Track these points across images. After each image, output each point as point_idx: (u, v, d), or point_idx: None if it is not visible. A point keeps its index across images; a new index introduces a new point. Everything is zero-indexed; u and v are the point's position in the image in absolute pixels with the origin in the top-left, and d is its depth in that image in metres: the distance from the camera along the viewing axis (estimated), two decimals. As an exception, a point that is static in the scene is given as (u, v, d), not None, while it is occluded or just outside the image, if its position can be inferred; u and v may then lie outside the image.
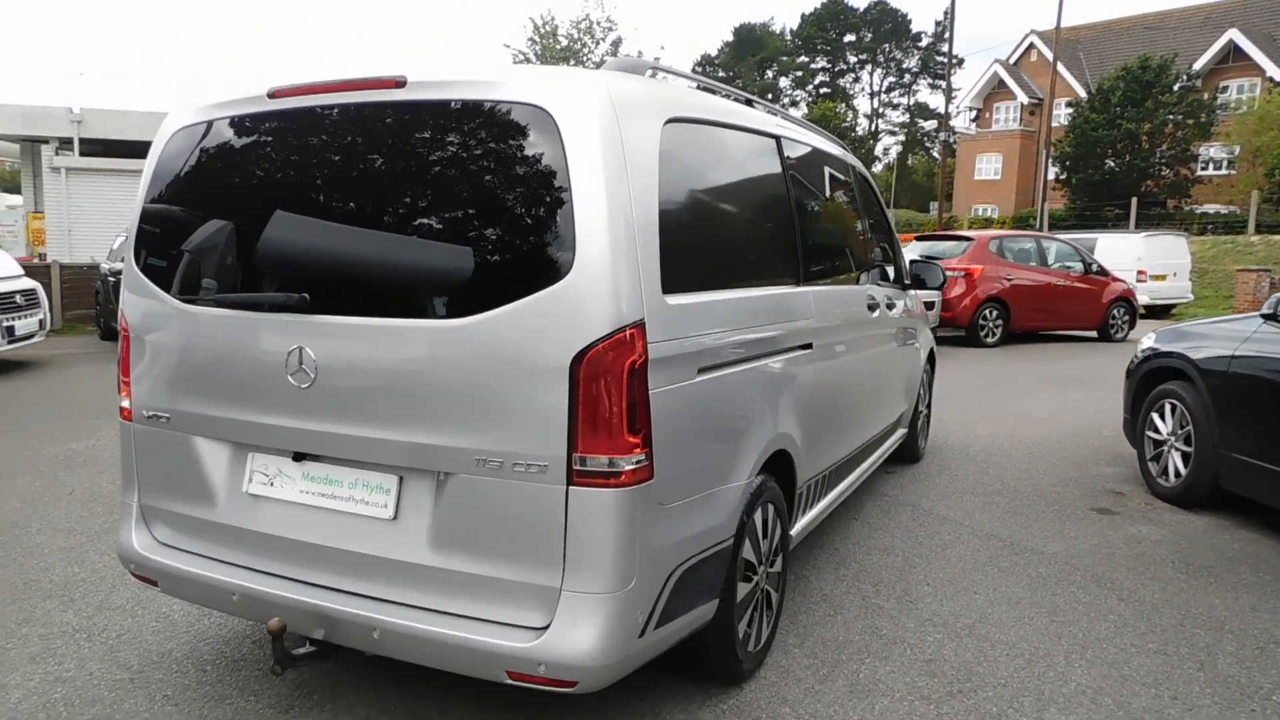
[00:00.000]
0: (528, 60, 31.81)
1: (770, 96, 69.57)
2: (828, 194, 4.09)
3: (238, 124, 2.66)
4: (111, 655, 3.13)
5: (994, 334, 13.12)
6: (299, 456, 2.56)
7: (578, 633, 2.21)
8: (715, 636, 2.78)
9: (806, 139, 3.82)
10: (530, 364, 2.20)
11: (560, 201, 2.17)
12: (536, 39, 31.73)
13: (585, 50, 31.63)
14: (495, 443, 2.26)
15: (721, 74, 69.99)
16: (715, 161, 2.85)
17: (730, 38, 70.28)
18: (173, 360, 2.74)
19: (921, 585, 3.86)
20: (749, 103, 3.45)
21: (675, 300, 2.38)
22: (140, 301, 2.81)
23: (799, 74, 70.34)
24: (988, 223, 37.03)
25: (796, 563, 4.08)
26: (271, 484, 2.61)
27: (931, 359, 6.13)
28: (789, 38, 69.41)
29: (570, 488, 2.20)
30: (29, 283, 10.14)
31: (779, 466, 3.15)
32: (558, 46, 31.43)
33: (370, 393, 2.40)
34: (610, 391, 2.17)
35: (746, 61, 68.20)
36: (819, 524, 4.24)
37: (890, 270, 5.24)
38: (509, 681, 2.26)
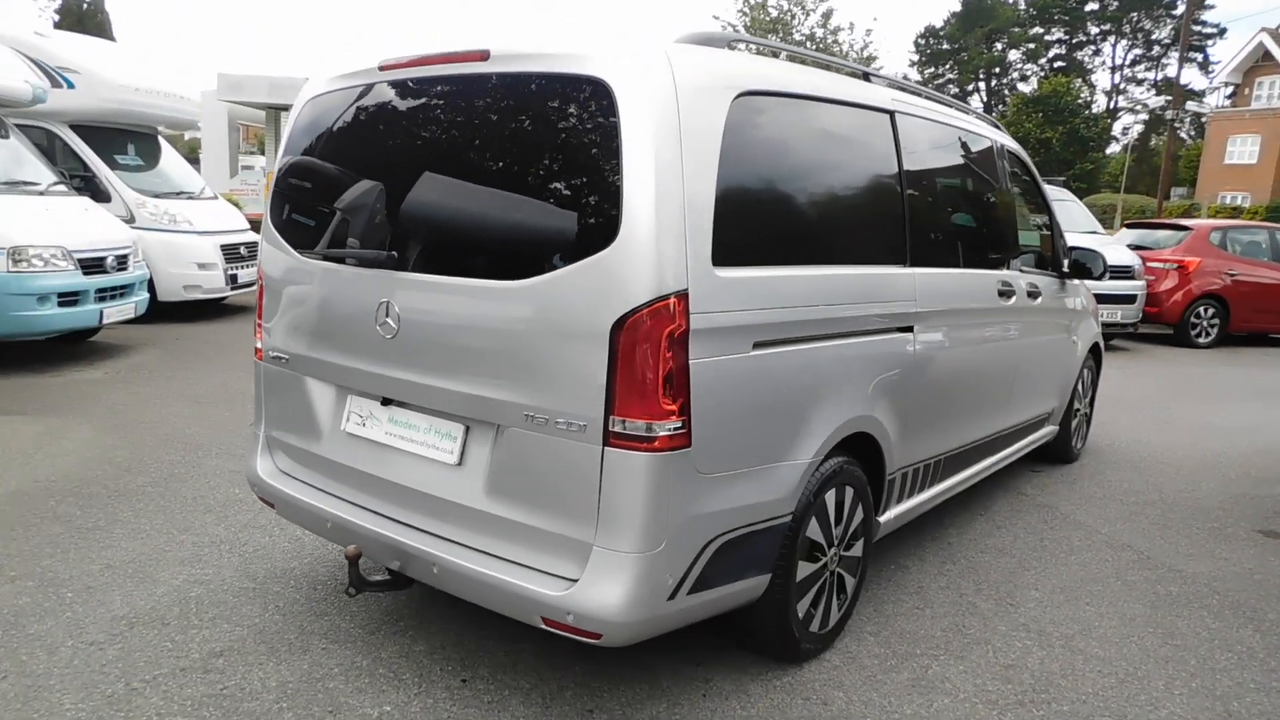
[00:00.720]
0: (735, 33, 31.64)
1: (997, 71, 65.36)
2: (959, 176, 3.89)
3: (356, 93, 2.91)
4: (245, 567, 3.55)
5: (1208, 334, 11.86)
6: (386, 401, 2.79)
7: (605, 587, 2.30)
8: (769, 613, 2.78)
9: (936, 116, 3.65)
10: (575, 327, 2.29)
11: (613, 173, 2.24)
12: (745, 10, 31.48)
13: (795, 21, 31.06)
14: (543, 400, 2.37)
15: (946, 46, 66.52)
16: (797, 136, 2.80)
17: (958, 8, 66.48)
18: (292, 307, 3.05)
19: (1029, 590, 3.65)
20: (865, 76, 3.35)
21: (728, 274, 2.39)
22: (272, 254, 3.14)
23: (1031, 46, 65.48)
24: (1235, 212, 33.20)
25: (898, 552, 3.96)
26: (364, 425, 2.86)
27: (1096, 355, 5.69)
28: (1023, 7, 64.71)
29: (606, 448, 2.28)
30: (253, 236, 11.35)
31: (862, 450, 3.09)
32: (767, 18, 31.04)
33: (442, 346, 2.58)
34: (648, 358, 2.22)
35: (974, 34, 64.32)
36: (931, 514, 4.13)
37: (1045, 257, 4.93)
38: (543, 627, 2.39)
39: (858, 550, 3.14)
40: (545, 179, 2.38)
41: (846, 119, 3.03)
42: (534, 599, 2.37)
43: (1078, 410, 5.49)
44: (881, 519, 3.34)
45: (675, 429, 2.27)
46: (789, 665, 2.96)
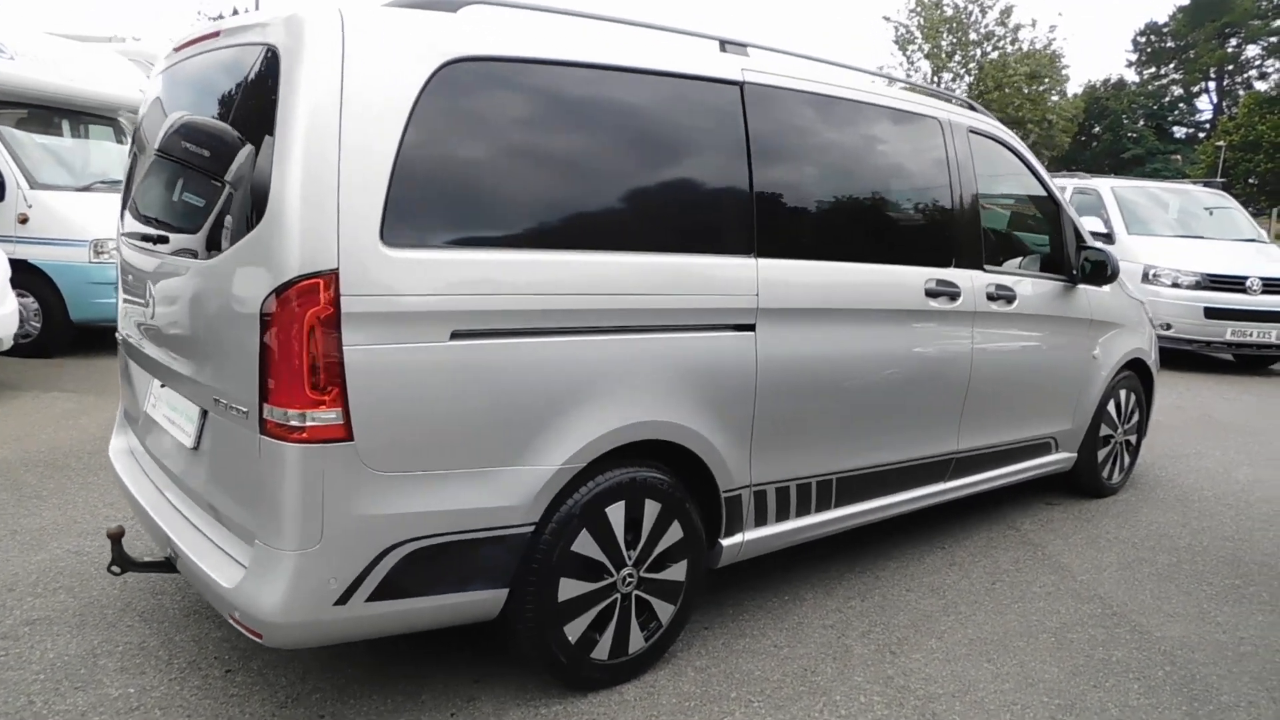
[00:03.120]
0: (908, 34, 30.29)
1: (1230, 69, 58.84)
2: (870, 160, 3.41)
3: (161, 76, 2.92)
4: (130, 544, 3.66)
5: None
6: (163, 383, 2.78)
7: (263, 585, 2.16)
8: (523, 633, 2.53)
9: (828, 91, 3.21)
10: (237, 308, 2.18)
11: (270, 145, 2.10)
12: (919, 9, 30.09)
13: (974, 20, 29.35)
14: (223, 385, 2.27)
15: (1170, 44, 60.75)
16: (552, 108, 2.50)
17: (1185, 2, 60.42)
18: (122, 288, 3.11)
19: (930, 639, 3.14)
20: (722, 45, 3.00)
21: (411, 255, 2.18)
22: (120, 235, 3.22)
23: (1273, 40, 58.39)
24: None
25: (804, 580, 3.54)
26: (155, 406, 2.86)
27: (1142, 373, 4.88)
28: (1262, -1, 57.85)
29: (261, 437, 2.14)
30: None
31: (679, 461, 2.76)
32: (941, 16, 29.53)
33: (175, 325, 2.54)
34: (292, 342, 2.07)
35: (1204, 29, 58.23)
36: (881, 541, 3.69)
37: (1054, 258, 4.28)
38: (232, 623, 2.28)
39: (675, 573, 2.81)
40: (230, 150, 2.27)
41: (637, 89, 2.68)
42: (217, 593, 2.27)
43: (1110, 437, 4.72)
44: (726, 542, 2.97)
45: (329, 420, 2.10)
46: (573, 693, 2.68)
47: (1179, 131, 62.41)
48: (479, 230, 2.33)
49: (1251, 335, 9.10)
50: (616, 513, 2.62)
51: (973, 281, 3.64)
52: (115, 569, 2.72)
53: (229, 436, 2.30)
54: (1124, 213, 10.06)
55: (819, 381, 3.09)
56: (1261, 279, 9.16)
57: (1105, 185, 10.50)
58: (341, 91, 2.09)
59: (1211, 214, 10.81)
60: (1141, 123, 61.70)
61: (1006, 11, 28.92)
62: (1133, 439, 4.93)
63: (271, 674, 2.73)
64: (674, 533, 2.77)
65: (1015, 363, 3.95)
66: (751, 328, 2.86)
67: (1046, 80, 30.49)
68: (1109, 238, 9.91)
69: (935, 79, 32.39)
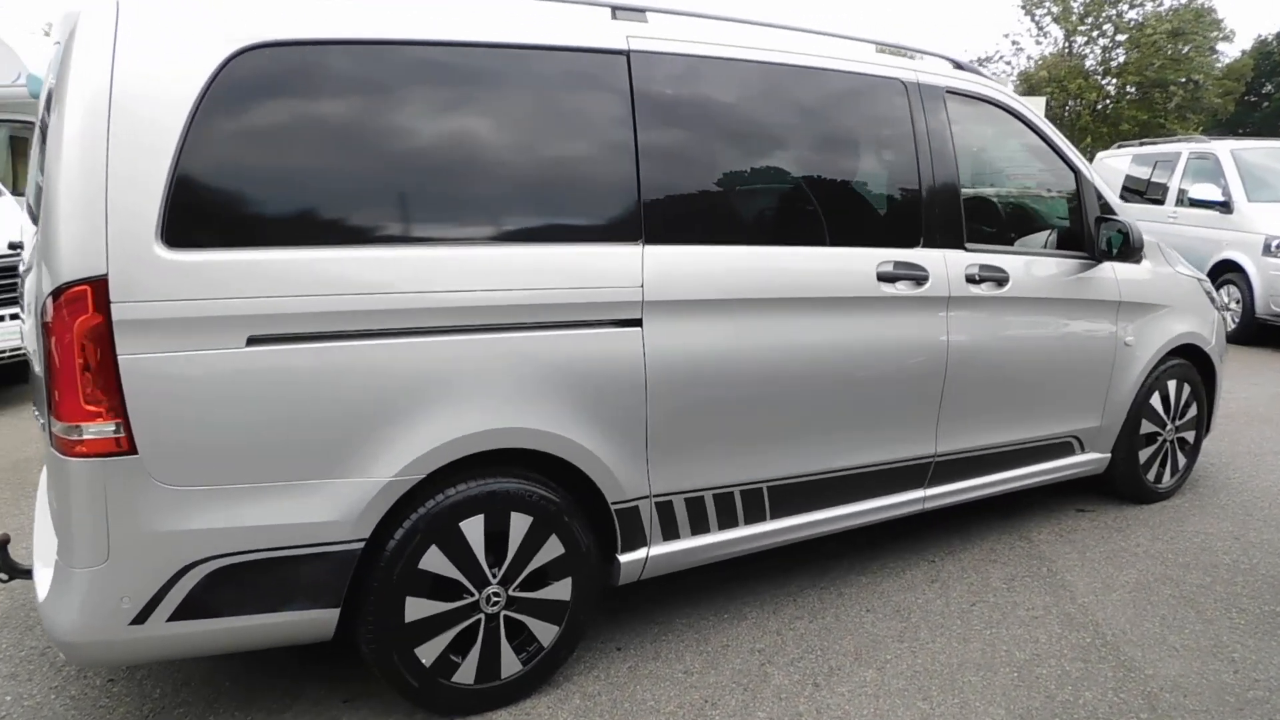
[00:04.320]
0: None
1: None
2: (803, 131, 3.05)
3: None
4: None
5: None
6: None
7: (59, 603, 2.10)
8: (371, 656, 2.37)
9: (745, 55, 2.87)
10: (38, 317, 2.10)
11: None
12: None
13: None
14: (37, 395, 2.22)
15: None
16: (377, 90, 2.28)
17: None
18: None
19: (869, 669, 2.80)
20: (614, 13, 2.72)
21: (196, 257, 2.04)
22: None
23: None
24: None
25: (749, 598, 3.24)
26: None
27: (1201, 362, 4.25)
28: None
29: (50, 450, 2.07)
30: None
31: (564, 471, 2.55)
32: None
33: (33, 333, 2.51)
34: (64, 353, 1.97)
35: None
36: (858, 553, 3.37)
37: (1075, 234, 3.78)
38: None
39: (556, 592, 2.59)
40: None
41: (486, 63, 2.43)
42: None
43: (1156, 434, 4.13)
44: (625, 558, 2.72)
45: (107, 432, 1.99)
46: (438, 719, 2.52)
47: (1365, 85, 56.16)
48: (281, 228, 2.16)
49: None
50: (474, 527, 2.42)
51: (946, 263, 3.22)
52: (3, 576, 2.73)
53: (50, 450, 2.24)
54: (1245, 178, 8.97)
55: (733, 381, 2.78)
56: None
57: (1224, 147, 9.41)
58: (111, 87, 1.97)
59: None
60: (1320, 77, 55.89)
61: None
62: (1189, 436, 4.31)
63: (150, 684, 2.69)
64: (552, 548, 2.55)
65: (1012, 353, 3.49)
66: (637, 323, 2.59)
67: (1195, 38, 27.86)
68: (1227, 206, 8.89)
69: (1067, 44, 30.19)
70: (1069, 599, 3.26)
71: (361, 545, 2.28)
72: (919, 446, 3.31)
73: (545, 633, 2.60)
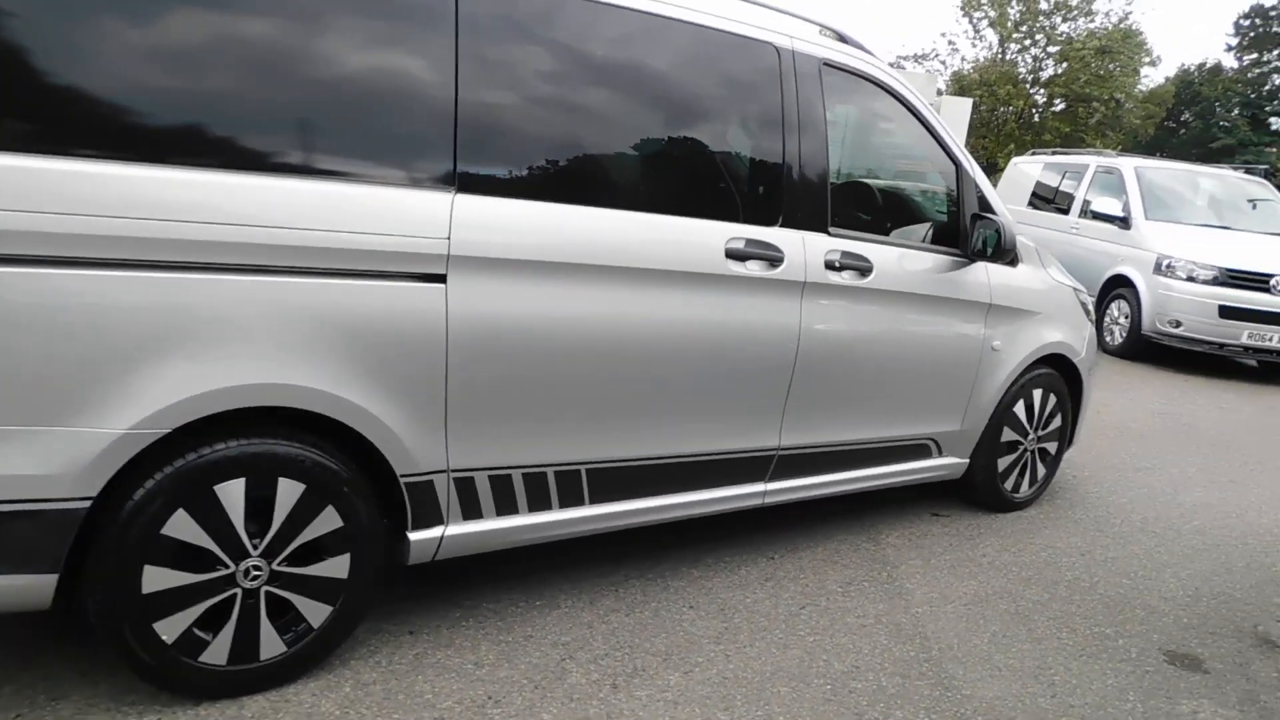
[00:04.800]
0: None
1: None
2: (645, 84, 2.79)
3: None
4: None
5: None
6: None
7: None
8: (101, 630, 2.07)
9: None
10: None
11: None
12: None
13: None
14: None
15: (1278, 28, 57.03)
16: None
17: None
18: None
19: (672, 674, 2.61)
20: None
21: None
22: None
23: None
24: None
25: (558, 580, 3.02)
26: None
27: (1068, 372, 4.18)
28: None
29: None
30: None
31: (342, 437, 2.26)
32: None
33: None
34: None
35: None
36: (689, 549, 3.16)
37: (953, 229, 3.63)
38: None
39: (332, 569, 2.31)
40: None
41: None
42: None
43: (1017, 443, 4.05)
44: (415, 536, 2.46)
45: None
46: (183, 701, 2.23)
47: (1277, 123, 58.82)
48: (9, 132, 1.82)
49: (1272, 340, 8.16)
50: (232, 492, 2.12)
51: (805, 246, 3.03)
52: None
53: None
54: (1146, 196, 9.11)
55: (552, 352, 2.53)
56: (1289, 278, 8.18)
57: (1129, 164, 9.54)
58: None
59: (1255, 206, 9.78)
60: (1236, 111, 58.27)
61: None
62: (1051, 447, 4.25)
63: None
64: (327, 520, 2.27)
65: (870, 348, 3.33)
66: (441, 279, 2.31)
67: (1120, 56, 28.60)
68: (1125, 222, 9.01)
69: (1002, 49, 30.70)
70: (903, 608, 3.14)
71: (87, 505, 1.96)
72: (761, 438, 3.12)
73: (316, 613, 2.33)
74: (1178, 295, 8.27)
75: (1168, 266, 8.42)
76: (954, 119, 19.61)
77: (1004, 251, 3.51)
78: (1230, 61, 57.96)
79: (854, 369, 3.28)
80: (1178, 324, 8.27)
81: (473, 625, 2.73)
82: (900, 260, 3.35)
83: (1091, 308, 4.45)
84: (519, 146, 2.47)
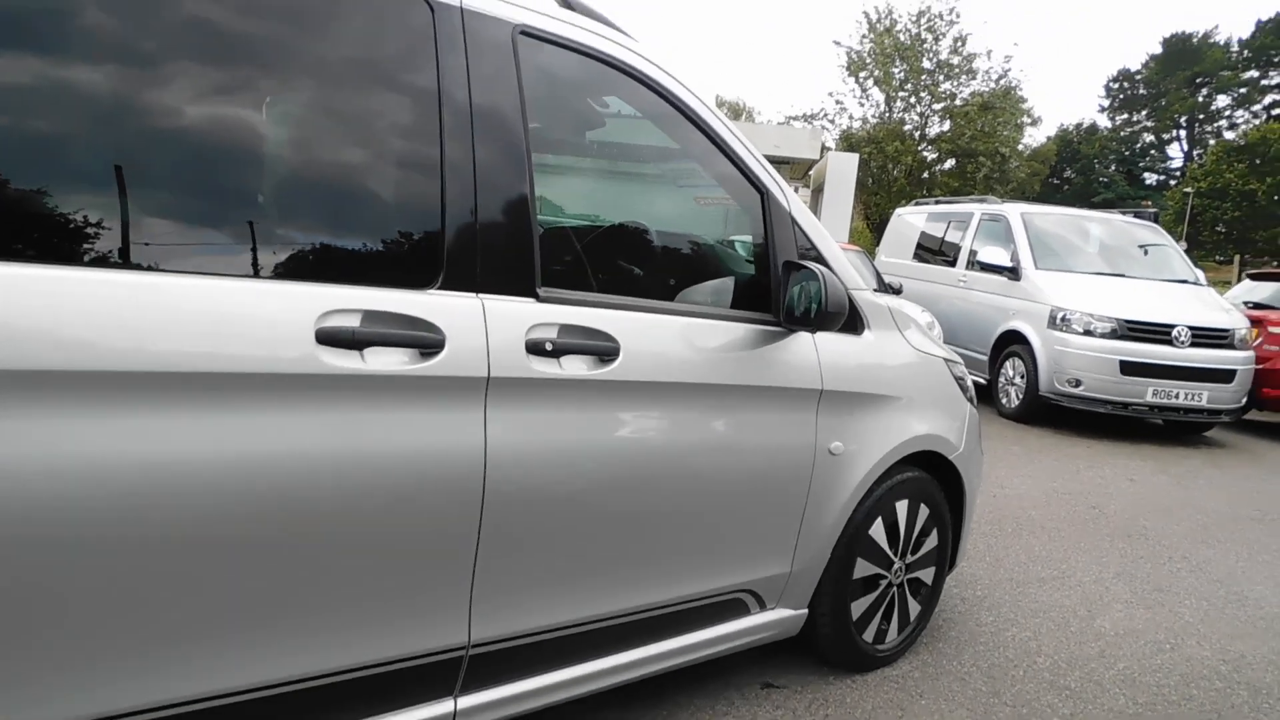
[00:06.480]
0: (859, 60, 28.95)
1: (1201, 118, 58.28)
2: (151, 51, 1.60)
3: None
4: None
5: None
6: None
7: None
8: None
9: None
10: None
11: None
12: (870, 36, 28.74)
13: (926, 47, 28.01)
14: None
15: (1142, 91, 60.39)
16: None
17: (1158, 50, 60.04)
18: None
19: None
20: None
21: None
22: None
23: (1242, 91, 57.86)
24: None
25: None
26: None
27: (945, 472, 3.09)
28: (1235, 49, 57.37)
29: None
30: None
31: None
32: (894, 44, 28.17)
33: None
34: None
35: (1175, 77, 57.92)
36: None
37: (758, 282, 2.52)
38: None
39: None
40: None
41: None
42: None
43: (877, 578, 2.91)
44: None
45: None
46: None
47: (1150, 178, 61.72)
48: None
49: (1178, 397, 7.38)
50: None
51: (489, 319, 1.84)
52: None
53: None
54: (1034, 244, 8.36)
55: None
56: (1190, 328, 7.45)
57: (1015, 210, 8.83)
58: None
59: (1147, 252, 9.15)
60: (1113, 168, 60.96)
61: (961, 40, 27.58)
62: (926, 575, 3.12)
63: None
64: None
65: (623, 473, 2.14)
66: None
67: (1003, 113, 29.12)
68: (1015, 272, 8.22)
69: (888, 107, 30.97)
70: None
71: None
72: (431, 634, 1.88)
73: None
74: (1075, 351, 7.45)
75: (1063, 320, 7.61)
76: (840, 175, 19.29)
77: (829, 315, 2.38)
78: (1105, 121, 61.11)
79: (595, 508, 2.09)
80: (1078, 383, 7.44)
81: None
82: (668, 335, 2.20)
83: (969, 382, 3.38)
84: None
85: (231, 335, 1.52)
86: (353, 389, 1.66)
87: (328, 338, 1.62)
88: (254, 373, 1.54)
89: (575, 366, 1.98)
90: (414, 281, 1.78)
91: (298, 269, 1.66)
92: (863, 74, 30.40)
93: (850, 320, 2.66)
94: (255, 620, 1.62)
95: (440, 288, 1.80)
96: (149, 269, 1.49)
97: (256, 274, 1.60)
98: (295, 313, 1.60)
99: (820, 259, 2.60)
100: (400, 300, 1.73)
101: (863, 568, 2.84)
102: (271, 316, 1.57)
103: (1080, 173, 60.68)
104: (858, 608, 2.87)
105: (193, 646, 1.56)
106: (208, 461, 1.50)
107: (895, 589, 2.99)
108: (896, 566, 2.96)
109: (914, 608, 3.09)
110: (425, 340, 1.74)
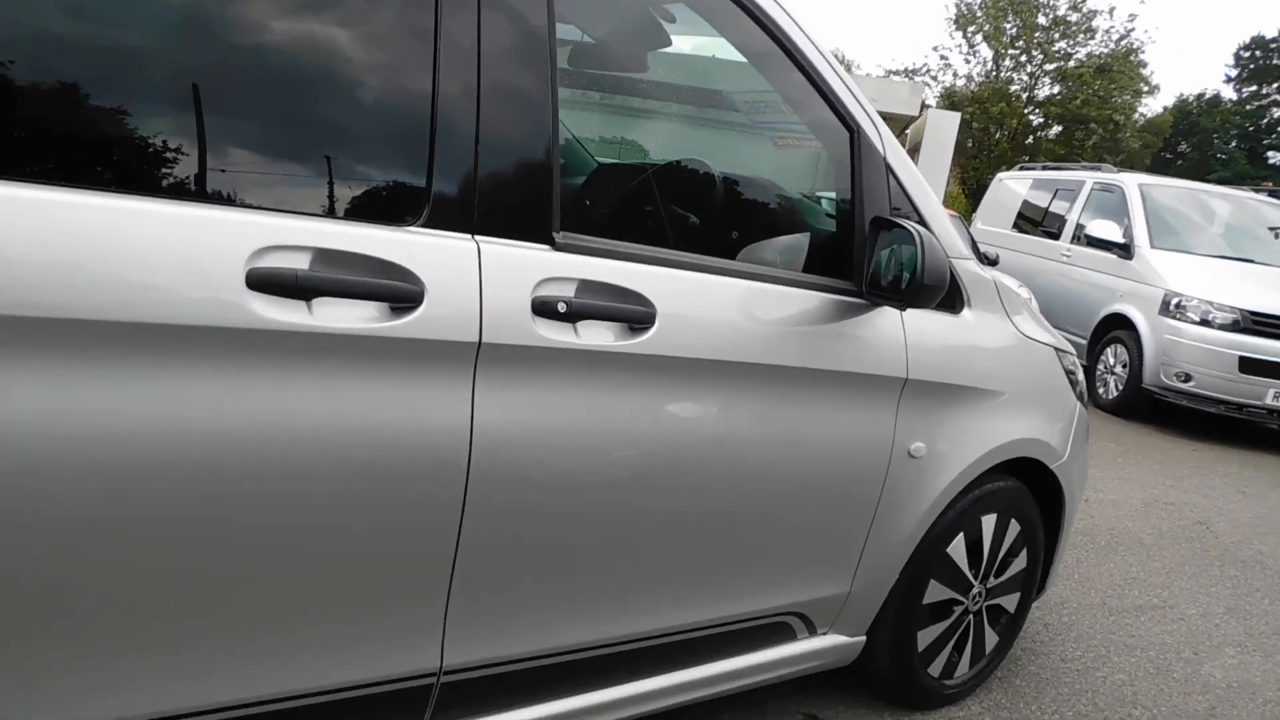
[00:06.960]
0: (969, 12, 27.36)
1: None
2: None
3: None
4: None
5: None
6: None
7: None
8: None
9: None
10: None
11: None
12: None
13: (1041, 1, 26.26)
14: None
15: (1278, 61, 56.26)
16: None
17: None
18: None
19: None
20: None
21: None
22: None
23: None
24: None
25: None
26: None
27: (1042, 482, 2.61)
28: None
29: None
30: None
31: None
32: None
33: None
34: None
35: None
36: None
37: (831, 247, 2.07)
38: None
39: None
40: None
41: None
42: None
43: (952, 603, 2.46)
44: None
45: None
46: None
47: (1274, 156, 57.84)
48: None
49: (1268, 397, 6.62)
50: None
51: (486, 268, 1.43)
52: None
53: None
54: (1151, 219, 7.58)
55: None
56: (1326, 326, 6.65)
57: (1133, 180, 8.02)
58: None
59: (1277, 236, 8.25)
60: (1234, 144, 57.25)
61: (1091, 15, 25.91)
62: (1009, 602, 2.66)
63: None
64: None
65: (649, 473, 1.73)
66: None
67: (1120, 77, 27.21)
68: (1127, 250, 7.47)
69: (996, 66, 29.23)
70: None
71: None
72: (398, 658, 1.52)
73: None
74: (1188, 342, 6.73)
75: (1177, 306, 6.87)
76: (940, 134, 18.21)
77: (925, 288, 1.91)
78: (1229, 93, 57.29)
79: (610, 518, 1.69)
80: (1187, 378, 6.73)
81: None
82: (719, 302, 1.77)
83: (1080, 376, 2.86)
84: None
85: (125, 271, 1.15)
86: (295, 351, 1.27)
87: (263, 282, 1.24)
88: (154, 323, 1.17)
89: (596, 335, 1.56)
90: (388, 215, 1.38)
91: (226, 190, 1.27)
92: (971, 28, 28.71)
93: (949, 295, 2.18)
94: (148, 642, 1.27)
95: (424, 225, 1.40)
96: (11, 179, 1.11)
97: (164, 193, 1.21)
98: (218, 248, 1.21)
99: (919, 217, 2.12)
100: (368, 237, 1.33)
101: (935, 591, 2.40)
102: (184, 250, 1.19)
103: (1196, 147, 57.21)
104: (925, 637, 2.43)
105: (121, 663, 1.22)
106: (81, 439, 1.13)
107: (971, 617, 2.53)
108: (975, 591, 2.50)
109: (990, 639, 2.64)
110: (398, 291, 1.34)
